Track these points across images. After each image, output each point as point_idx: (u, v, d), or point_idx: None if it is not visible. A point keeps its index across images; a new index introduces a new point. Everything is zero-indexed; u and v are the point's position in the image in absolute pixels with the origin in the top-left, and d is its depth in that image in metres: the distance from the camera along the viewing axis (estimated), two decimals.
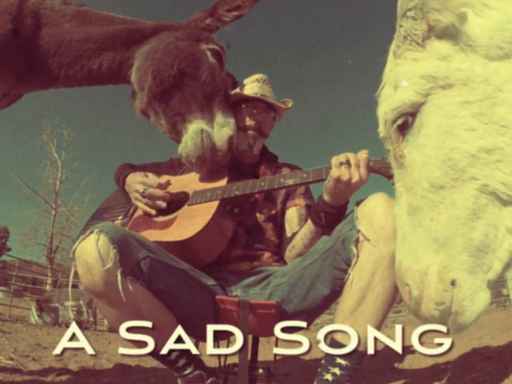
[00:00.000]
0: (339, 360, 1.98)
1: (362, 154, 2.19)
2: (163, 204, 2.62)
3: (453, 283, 1.44)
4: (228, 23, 2.97)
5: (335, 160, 2.18)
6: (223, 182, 2.66)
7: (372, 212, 2.07)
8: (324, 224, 2.34)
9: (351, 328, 1.93)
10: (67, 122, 49.17)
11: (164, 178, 2.86)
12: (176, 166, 2.97)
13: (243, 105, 2.92)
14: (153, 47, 2.77)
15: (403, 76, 1.56)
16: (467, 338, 6.56)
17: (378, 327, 2.01)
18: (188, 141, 2.59)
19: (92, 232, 2.10)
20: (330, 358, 2.02)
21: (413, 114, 1.53)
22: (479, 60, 1.44)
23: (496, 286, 24.17)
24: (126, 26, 2.90)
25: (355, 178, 2.12)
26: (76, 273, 2.13)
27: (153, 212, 2.63)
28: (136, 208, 2.79)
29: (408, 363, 4.90)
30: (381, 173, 2.21)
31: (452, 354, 4.85)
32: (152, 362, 5.54)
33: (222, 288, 2.50)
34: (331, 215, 2.29)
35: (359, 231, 2.07)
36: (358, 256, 2.06)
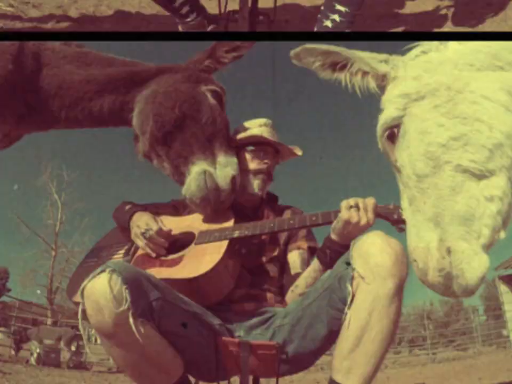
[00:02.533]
0: (339, 7, 1.89)
1: (370, 200, 2.34)
2: (162, 251, 2.60)
3: (448, 251, 1.71)
4: (226, 64, 3.00)
5: (345, 204, 2.32)
6: (230, 223, 2.69)
7: (367, 251, 2.07)
8: (329, 261, 2.43)
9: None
10: (67, 163, 49.07)
11: (167, 220, 2.84)
12: (180, 208, 3.00)
13: (251, 148, 2.93)
14: (153, 91, 2.78)
15: (384, 99, 2.05)
16: (467, 379, 6.54)
17: (377, 367, 2.01)
18: (191, 182, 2.60)
19: (103, 271, 2.04)
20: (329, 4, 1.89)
21: (397, 126, 1.94)
22: (443, 72, 1.89)
23: (497, 327, 24.07)
24: (126, 68, 2.94)
25: (363, 221, 2.27)
26: (83, 313, 2.05)
27: (153, 254, 2.60)
28: (138, 246, 2.76)
29: None
30: (386, 218, 2.37)
31: None
32: None
33: (226, 329, 2.50)
34: (337, 252, 2.40)
35: (354, 269, 2.06)
36: (353, 295, 2.05)
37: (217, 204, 2.65)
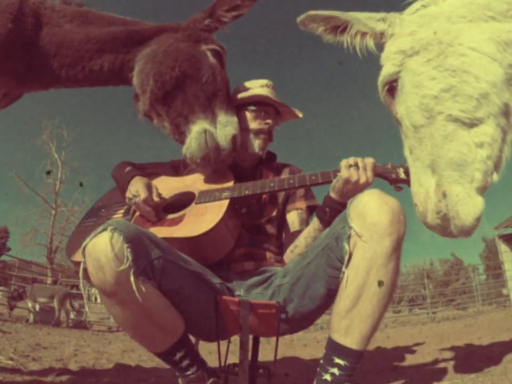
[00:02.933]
0: (337, 360, 1.96)
1: (369, 159, 2.42)
2: (151, 218, 2.60)
3: (444, 194, 1.94)
4: (226, 23, 2.97)
5: (344, 163, 2.40)
6: (229, 183, 2.68)
7: (364, 209, 2.05)
8: (328, 219, 2.44)
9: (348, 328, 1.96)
10: (67, 122, 49.17)
11: (167, 180, 2.87)
12: (181, 167, 2.97)
13: (252, 108, 2.93)
14: (153, 50, 2.76)
15: (383, 56, 2.24)
16: (467, 339, 6.56)
17: (376, 326, 2.00)
18: (192, 141, 2.60)
19: (104, 230, 2.03)
20: (328, 358, 2.00)
21: (396, 80, 2.15)
22: (434, 26, 2.06)
23: (496, 286, 24.25)
24: (126, 27, 2.89)
25: (362, 179, 2.36)
26: (84, 271, 2.06)
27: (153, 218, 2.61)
28: None
29: (408, 363, 4.90)
30: (384, 177, 2.46)
31: (452, 354, 4.86)
32: (152, 362, 5.54)
33: (226, 288, 2.50)
34: (336, 210, 2.42)
35: (351, 227, 2.05)
36: (350, 254, 2.05)
37: (218, 163, 2.64)
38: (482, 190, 1.93)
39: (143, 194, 2.56)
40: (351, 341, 1.96)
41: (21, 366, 4.25)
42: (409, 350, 6.55)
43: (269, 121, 2.91)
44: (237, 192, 2.55)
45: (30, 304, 15.37)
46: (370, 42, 2.30)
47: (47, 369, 4.22)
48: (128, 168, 2.85)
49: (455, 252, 49.34)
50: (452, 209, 1.92)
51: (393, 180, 2.44)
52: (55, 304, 15.49)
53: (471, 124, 1.90)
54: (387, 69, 2.17)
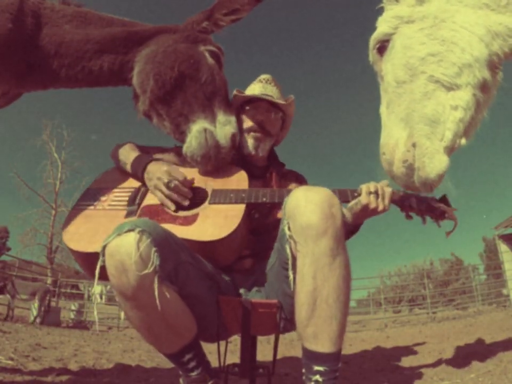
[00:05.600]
0: (317, 367, 1.90)
1: (388, 188, 2.50)
2: (185, 202, 2.58)
3: (413, 145, 2.13)
4: (223, 27, 2.99)
5: (365, 189, 2.47)
6: (244, 183, 2.68)
7: (293, 212, 1.98)
8: None
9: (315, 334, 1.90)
10: (67, 122, 49.20)
11: (186, 173, 2.79)
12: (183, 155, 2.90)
13: (247, 107, 2.94)
14: (153, 51, 2.78)
15: (380, 19, 2.46)
16: (467, 338, 6.56)
17: (342, 325, 1.93)
18: (192, 140, 2.62)
19: (131, 230, 1.95)
20: (308, 367, 1.95)
21: (387, 41, 2.38)
22: (434, 4, 2.27)
23: (497, 286, 24.26)
24: (125, 28, 2.89)
25: (380, 207, 2.46)
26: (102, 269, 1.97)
27: (172, 206, 2.57)
28: (145, 195, 2.72)
29: (408, 363, 4.90)
30: (398, 204, 2.59)
31: (452, 354, 4.86)
32: (152, 362, 5.55)
33: (234, 287, 2.52)
34: (349, 232, 2.55)
35: (287, 230, 2.01)
36: (293, 256, 2.01)
37: (218, 161, 2.66)
38: (450, 151, 2.13)
39: (179, 176, 2.58)
40: (323, 346, 1.90)
41: (21, 366, 4.26)
42: (409, 350, 6.56)
43: (258, 116, 2.92)
44: (254, 197, 2.53)
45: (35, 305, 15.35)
46: None
47: (47, 369, 4.22)
48: (137, 153, 2.85)
49: (455, 251, 49.38)
50: (418, 160, 2.12)
51: (406, 208, 2.58)
52: (36, 301, 15.40)
53: (450, 88, 2.12)
54: (382, 29, 2.41)
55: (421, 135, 2.12)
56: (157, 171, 2.65)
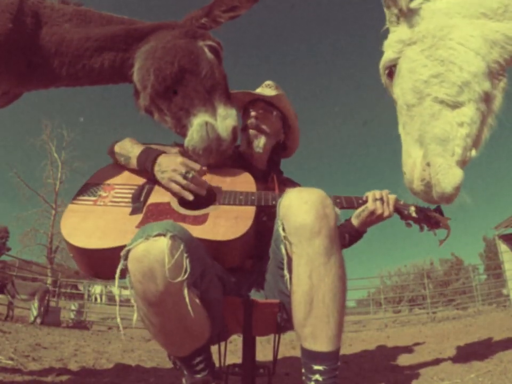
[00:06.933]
0: (316, 367, 1.90)
1: (392, 196, 2.71)
2: (203, 191, 2.58)
3: (428, 164, 2.30)
4: (222, 24, 3.01)
5: (372, 196, 2.67)
6: (251, 186, 2.71)
7: (287, 213, 2.00)
8: (347, 244, 2.69)
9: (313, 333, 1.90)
10: (67, 122, 49.21)
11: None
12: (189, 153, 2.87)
13: (245, 109, 3.07)
14: (152, 46, 2.79)
15: (386, 44, 2.60)
16: (467, 338, 6.56)
17: (340, 323, 1.94)
18: (194, 133, 2.63)
19: (162, 235, 1.88)
20: (307, 367, 1.95)
21: (394, 65, 2.53)
22: (433, 21, 2.40)
23: (497, 286, 24.26)
24: (125, 26, 2.91)
25: (386, 213, 2.65)
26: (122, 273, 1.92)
27: (190, 196, 2.54)
28: (150, 193, 2.68)
29: (408, 363, 4.90)
30: (399, 212, 2.75)
31: (451, 354, 4.86)
32: (152, 362, 5.55)
33: (237, 288, 2.52)
34: (354, 238, 2.72)
35: (282, 231, 2.02)
36: (289, 257, 2.01)
37: (219, 154, 2.68)
38: (462, 164, 2.27)
39: (196, 166, 2.58)
40: (321, 345, 1.90)
41: (21, 366, 4.26)
42: (409, 350, 6.55)
43: (253, 113, 3.01)
44: (264, 200, 2.56)
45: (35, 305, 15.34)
46: (393, 11, 2.55)
47: (47, 369, 4.22)
48: (141, 146, 2.83)
49: (455, 251, 49.37)
50: (434, 178, 2.27)
51: (405, 216, 2.75)
52: (36, 301, 15.39)
53: (454, 106, 2.25)
54: (387, 55, 2.56)
55: (433, 154, 2.27)
56: (171, 162, 2.63)
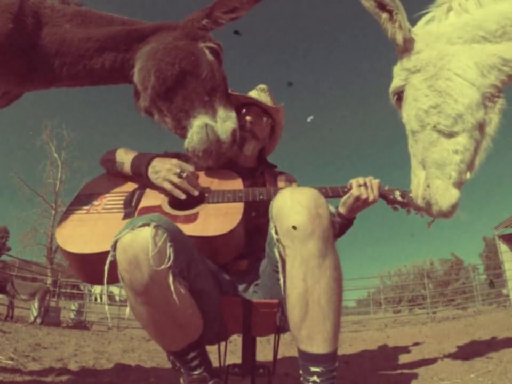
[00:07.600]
0: (313, 369, 1.89)
1: (376, 180, 2.80)
2: (195, 192, 2.63)
3: (428, 186, 2.54)
4: (223, 25, 3.03)
5: (355, 182, 2.76)
6: (238, 183, 2.79)
7: (279, 214, 1.97)
8: (337, 233, 2.72)
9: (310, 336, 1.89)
10: (67, 122, 49.26)
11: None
12: (181, 159, 2.92)
13: (243, 111, 3.08)
14: (153, 47, 2.79)
15: (395, 70, 2.74)
16: (467, 338, 6.56)
17: (336, 325, 1.91)
18: (194, 135, 2.65)
19: (146, 225, 1.93)
20: (305, 368, 1.93)
21: (402, 92, 2.69)
22: (435, 48, 2.53)
23: (497, 286, 24.25)
24: (125, 26, 2.90)
25: (371, 198, 2.73)
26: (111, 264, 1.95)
27: (183, 195, 2.60)
28: (141, 198, 2.73)
29: (408, 363, 4.90)
30: (384, 197, 2.86)
31: (452, 354, 4.86)
32: (152, 362, 5.54)
33: (233, 287, 2.54)
34: (344, 225, 2.81)
35: (275, 233, 1.99)
36: (283, 260, 1.98)
37: (219, 156, 2.71)
38: (459, 185, 2.49)
39: (190, 167, 2.66)
40: (318, 347, 1.88)
41: (21, 366, 4.25)
42: (409, 350, 6.55)
43: (248, 117, 3.07)
44: (251, 196, 2.60)
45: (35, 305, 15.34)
46: (399, 36, 2.60)
47: (47, 369, 4.21)
48: (135, 153, 2.88)
49: (455, 251, 49.39)
50: (433, 198, 2.52)
51: (391, 200, 2.86)
52: (36, 301, 15.39)
53: (450, 135, 2.45)
54: (395, 83, 2.72)
55: (433, 177, 2.51)
56: (166, 163, 2.70)
